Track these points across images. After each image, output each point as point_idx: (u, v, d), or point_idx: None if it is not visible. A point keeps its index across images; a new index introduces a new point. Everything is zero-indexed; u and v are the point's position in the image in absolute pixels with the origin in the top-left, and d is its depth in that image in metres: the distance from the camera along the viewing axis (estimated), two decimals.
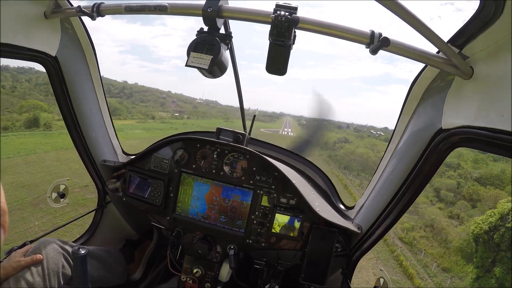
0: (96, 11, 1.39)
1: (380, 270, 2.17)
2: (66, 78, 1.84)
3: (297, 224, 2.00)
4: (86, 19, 1.76)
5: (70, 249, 1.79)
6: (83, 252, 1.58)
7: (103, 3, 1.40)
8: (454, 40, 1.20)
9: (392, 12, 0.99)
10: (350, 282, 2.02)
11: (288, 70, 1.26)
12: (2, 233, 0.67)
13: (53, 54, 1.69)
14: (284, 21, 1.07)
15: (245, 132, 2.28)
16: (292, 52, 1.21)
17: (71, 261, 1.76)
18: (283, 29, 1.10)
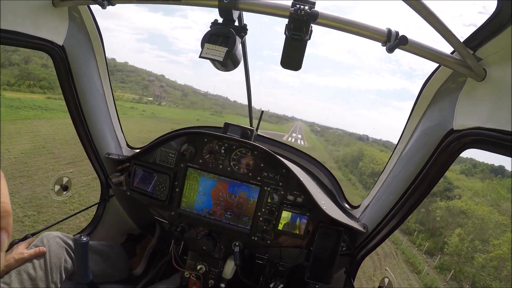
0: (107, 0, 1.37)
1: (385, 269, 2.16)
2: (73, 68, 1.81)
3: (300, 222, 2.00)
4: (94, 8, 1.75)
5: (72, 243, 1.77)
6: (84, 239, 1.59)
7: None
8: (468, 41, 1.20)
9: (411, 7, 0.98)
10: (353, 281, 2.03)
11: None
12: (6, 237, 0.64)
13: (60, 43, 1.66)
14: (303, 15, 1.06)
15: (253, 127, 2.26)
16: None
17: (73, 255, 1.75)
18: (301, 24, 1.08)
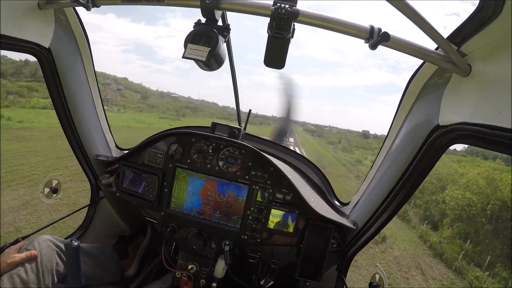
0: (91, 1, 1.35)
1: (376, 266, 2.18)
2: (59, 70, 1.80)
3: (290, 220, 2.00)
4: (80, 11, 1.74)
5: (63, 246, 1.77)
6: (75, 244, 1.59)
7: None
8: (452, 37, 1.20)
9: (393, 6, 0.99)
10: (345, 278, 2.04)
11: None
12: None
13: (46, 45, 1.65)
14: (284, 14, 1.06)
15: (241, 127, 2.26)
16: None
17: (64, 258, 1.75)
18: (282, 22, 1.09)
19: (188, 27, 1.28)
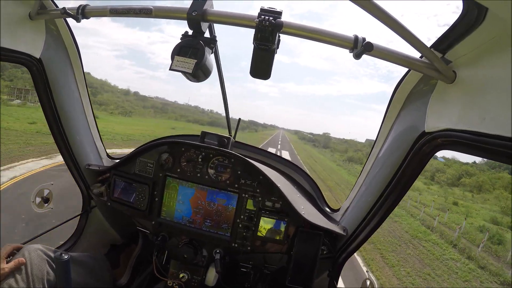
0: (81, 13, 1.37)
1: (366, 271, 2.17)
2: (51, 81, 1.80)
3: (282, 228, 2.00)
4: (72, 23, 1.75)
5: (54, 256, 1.76)
6: (66, 257, 1.58)
7: (88, 5, 1.39)
8: (437, 44, 1.22)
9: (375, 17, 1.01)
10: (336, 284, 2.04)
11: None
12: None
13: (37, 56, 1.66)
14: (268, 26, 1.08)
15: (230, 135, 2.27)
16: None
17: (55, 267, 1.73)
18: (267, 34, 1.10)
19: (182, 33, 1.29)
